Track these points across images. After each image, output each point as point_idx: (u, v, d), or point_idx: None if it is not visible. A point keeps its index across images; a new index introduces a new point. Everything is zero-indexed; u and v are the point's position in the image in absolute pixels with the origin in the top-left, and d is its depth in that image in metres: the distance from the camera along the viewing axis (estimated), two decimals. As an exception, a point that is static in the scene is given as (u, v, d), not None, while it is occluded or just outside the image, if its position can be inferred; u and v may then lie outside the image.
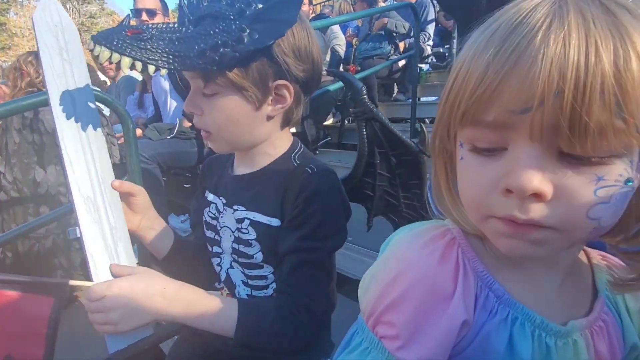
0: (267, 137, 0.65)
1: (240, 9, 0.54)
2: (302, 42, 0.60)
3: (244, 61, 0.55)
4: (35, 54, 1.84)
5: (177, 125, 2.16)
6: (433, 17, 3.88)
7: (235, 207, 0.67)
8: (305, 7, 3.42)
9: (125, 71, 0.57)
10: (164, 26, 0.54)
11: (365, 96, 0.74)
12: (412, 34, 3.39)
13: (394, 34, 3.47)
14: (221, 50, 0.52)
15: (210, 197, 0.73)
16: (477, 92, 0.29)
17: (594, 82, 0.25)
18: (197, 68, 0.53)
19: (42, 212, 1.63)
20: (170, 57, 0.52)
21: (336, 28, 3.67)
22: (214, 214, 0.71)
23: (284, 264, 0.62)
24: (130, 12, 2.33)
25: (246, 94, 0.58)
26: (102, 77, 3.20)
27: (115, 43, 0.50)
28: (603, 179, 0.27)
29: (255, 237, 0.64)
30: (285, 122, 0.66)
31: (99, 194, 0.61)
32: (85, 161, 0.60)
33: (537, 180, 0.27)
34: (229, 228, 0.68)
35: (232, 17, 0.53)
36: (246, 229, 0.65)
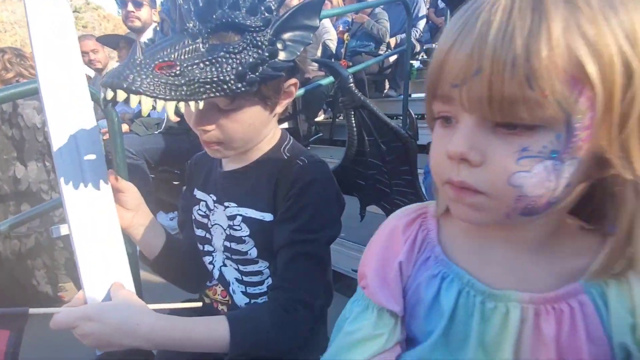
0: (268, 132, 0.63)
1: (266, 19, 0.49)
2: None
3: (282, 76, 0.52)
4: (17, 53, 1.77)
5: (165, 120, 2.11)
6: (424, 13, 3.89)
7: (226, 203, 0.64)
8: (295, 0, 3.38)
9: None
10: (182, 46, 0.46)
11: (352, 84, 0.73)
12: (386, 39, 3.40)
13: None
14: (260, 70, 0.49)
15: (199, 194, 0.71)
16: (432, 69, 0.34)
17: (506, 58, 0.28)
18: (239, 93, 0.49)
19: (23, 210, 1.57)
20: (203, 86, 0.46)
21: (327, 23, 3.64)
22: (205, 212, 0.69)
23: (278, 258, 0.60)
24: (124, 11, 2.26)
25: (268, 102, 0.57)
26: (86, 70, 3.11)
27: (152, 88, 0.43)
28: (527, 150, 0.30)
29: (248, 233, 0.62)
30: (282, 113, 0.65)
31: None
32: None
33: (465, 147, 0.32)
34: (221, 226, 0.66)
35: (258, 29, 0.48)
36: (238, 225, 0.62)
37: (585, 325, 0.34)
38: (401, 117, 3.10)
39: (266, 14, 0.49)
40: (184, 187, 0.82)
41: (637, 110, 0.29)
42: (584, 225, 0.38)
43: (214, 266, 0.69)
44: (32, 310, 0.51)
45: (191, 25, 0.47)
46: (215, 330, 0.54)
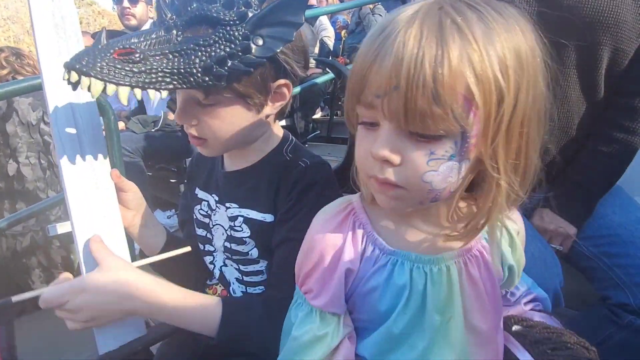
0: (263, 134, 0.63)
1: (241, 13, 0.47)
2: (297, 37, 0.56)
3: (252, 72, 0.50)
4: (14, 52, 1.74)
5: (162, 117, 2.09)
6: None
7: (227, 204, 0.64)
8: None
9: (124, 102, 0.51)
10: (152, 37, 0.46)
11: None
12: None
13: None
14: (229, 63, 0.47)
15: (201, 194, 0.70)
16: (356, 77, 0.39)
17: (417, 79, 0.34)
18: (206, 86, 0.48)
19: (19, 209, 1.56)
20: (168, 76, 0.46)
21: (325, 20, 3.63)
22: (206, 212, 0.68)
23: (275, 255, 0.59)
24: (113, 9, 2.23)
25: (250, 101, 0.55)
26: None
27: (106, 72, 0.43)
28: (434, 153, 0.37)
29: (249, 234, 0.61)
30: (280, 116, 0.64)
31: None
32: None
33: (387, 151, 0.38)
34: (222, 226, 0.65)
35: (232, 23, 0.47)
36: (240, 226, 0.62)
37: (489, 260, 0.47)
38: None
39: (243, 8, 0.48)
40: (182, 186, 0.82)
41: (504, 125, 0.37)
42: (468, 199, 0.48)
43: (215, 266, 0.69)
44: (15, 298, 0.49)
45: (168, 17, 0.47)
46: (208, 306, 0.53)
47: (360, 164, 0.43)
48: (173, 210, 2.26)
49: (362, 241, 0.48)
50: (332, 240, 0.48)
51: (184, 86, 0.47)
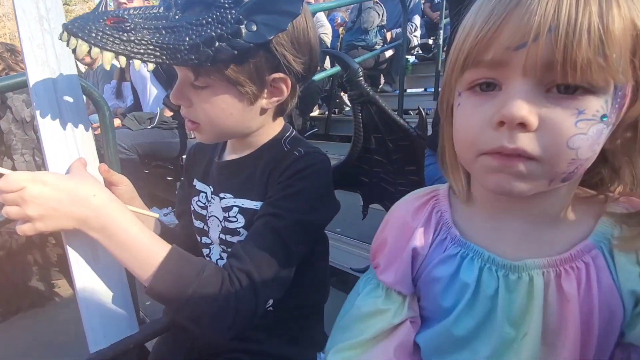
0: (259, 127, 0.62)
1: None
2: (301, 33, 0.55)
3: (240, 57, 0.50)
4: (9, 48, 1.73)
5: (158, 114, 2.08)
6: (420, 7, 3.87)
7: (222, 194, 0.63)
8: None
9: (107, 67, 0.52)
10: (148, 12, 0.48)
11: (361, 78, 0.71)
12: (369, 30, 3.37)
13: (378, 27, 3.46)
14: (216, 44, 0.47)
15: (199, 185, 0.70)
16: (480, 34, 0.33)
17: (583, 21, 0.29)
18: (189, 64, 0.48)
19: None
20: (158, 50, 0.47)
21: (322, 16, 3.61)
22: (204, 203, 0.68)
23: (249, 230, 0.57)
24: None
25: (241, 89, 0.54)
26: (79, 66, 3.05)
27: (94, 35, 0.44)
28: (583, 113, 0.32)
29: (243, 224, 0.61)
30: (279, 113, 0.63)
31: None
32: (67, 146, 0.54)
33: (525, 110, 0.32)
34: (217, 217, 0.65)
35: (227, 5, 0.48)
36: (234, 217, 0.61)
37: (597, 277, 0.37)
38: (396, 111, 3.10)
39: None
40: (179, 183, 0.81)
41: None
42: (582, 193, 0.41)
43: (211, 259, 0.68)
44: None
45: (172, 2, 0.49)
46: (154, 246, 0.50)
47: (468, 140, 0.37)
48: (170, 207, 2.25)
49: (436, 227, 0.45)
50: (406, 219, 0.47)
51: (169, 61, 0.48)
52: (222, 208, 0.63)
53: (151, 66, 0.49)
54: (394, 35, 3.66)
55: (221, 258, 0.67)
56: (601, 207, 0.40)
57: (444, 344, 0.44)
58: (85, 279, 0.55)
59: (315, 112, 3.69)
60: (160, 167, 2.34)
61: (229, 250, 0.64)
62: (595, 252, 0.38)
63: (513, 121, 0.32)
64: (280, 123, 0.66)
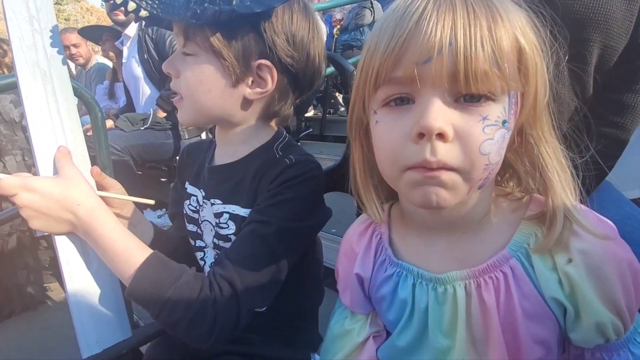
0: (241, 121, 0.61)
1: None
2: (299, 31, 0.56)
3: (227, 24, 0.51)
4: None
5: (151, 115, 2.06)
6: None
7: (212, 200, 0.63)
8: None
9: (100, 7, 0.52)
10: None
11: None
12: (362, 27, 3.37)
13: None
14: (205, 4, 0.49)
15: (190, 189, 0.69)
16: (386, 53, 0.36)
17: (476, 36, 0.33)
18: (178, 18, 0.51)
19: (4, 208, 1.52)
20: (156, 1, 0.50)
21: (316, 16, 3.61)
22: (195, 207, 0.67)
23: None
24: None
25: (224, 64, 0.54)
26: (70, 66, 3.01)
27: None
28: (487, 119, 0.34)
29: (234, 231, 0.60)
30: (266, 115, 0.62)
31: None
32: (57, 143, 0.54)
33: (441, 121, 0.34)
34: (210, 222, 0.64)
35: None
36: (225, 223, 0.61)
37: (517, 286, 0.38)
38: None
39: None
40: (172, 184, 0.80)
41: (539, 96, 0.37)
42: (504, 200, 0.44)
43: (205, 262, 0.68)
44: None
45: None
46: (133, 251, 0.51)
47: (390, 156, 0.38)
48: (164, 209, 2.24)
49: (377, 249, 0.48)
50: (352, 245, 0.51)
51: (162, 13, 0.51)
52: (214, 214, 0.62)
53: (144, 12, 0.50)
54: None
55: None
56: (522, 213, 0.41)
57: (394, 356, 0.47)
58: (77, 282, 0.55)
59: (310, 113, 3.68)
60: (154, 169, 2.32)
61: None
62: (513, 262, 0.39)
63: (431, 132, 0.34)
64: (272, 128, 0.65)
